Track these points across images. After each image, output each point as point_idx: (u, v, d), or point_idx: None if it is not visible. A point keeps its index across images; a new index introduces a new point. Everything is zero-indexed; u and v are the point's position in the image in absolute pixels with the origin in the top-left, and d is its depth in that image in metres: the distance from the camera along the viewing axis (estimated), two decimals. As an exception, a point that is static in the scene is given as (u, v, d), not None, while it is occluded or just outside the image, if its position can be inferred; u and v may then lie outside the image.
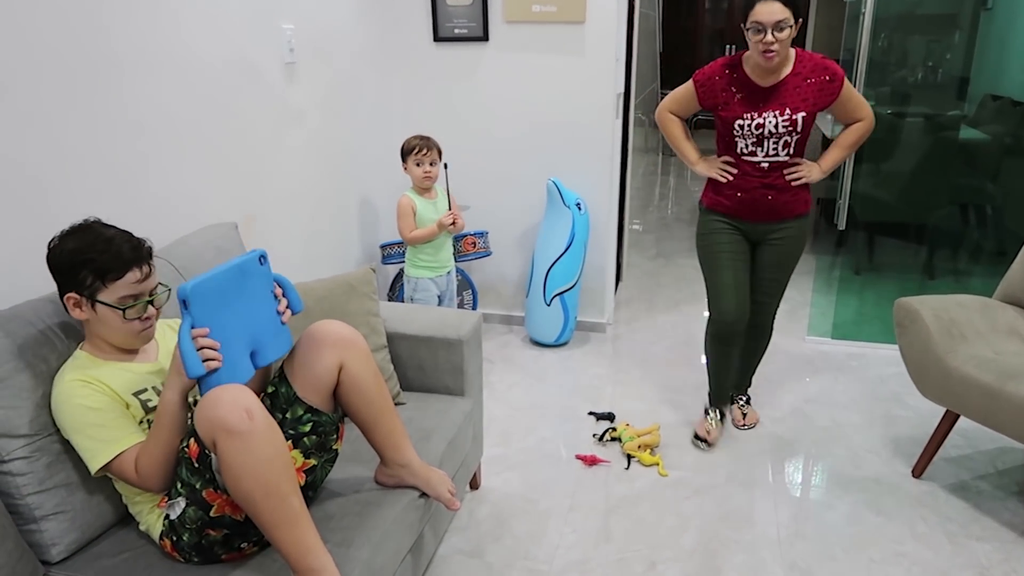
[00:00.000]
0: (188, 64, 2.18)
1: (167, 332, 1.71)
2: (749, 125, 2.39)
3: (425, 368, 2.20)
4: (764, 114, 2.37)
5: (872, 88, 4.97)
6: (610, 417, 2.92)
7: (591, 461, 2.65)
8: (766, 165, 2.44)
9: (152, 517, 1.54)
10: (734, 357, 2.72)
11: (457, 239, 3.44)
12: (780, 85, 2.36)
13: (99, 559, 1.50)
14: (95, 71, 1.86)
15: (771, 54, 2.25)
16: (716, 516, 2.37)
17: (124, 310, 1.50)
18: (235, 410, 1.35)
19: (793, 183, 2.45)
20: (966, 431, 2.80)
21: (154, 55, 2.05)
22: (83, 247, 1.46)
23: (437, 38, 3.44)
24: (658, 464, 2.62)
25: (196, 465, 1.44)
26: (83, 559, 1.50)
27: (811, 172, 2.46)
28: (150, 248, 1.55)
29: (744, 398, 2.92)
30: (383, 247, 3.49)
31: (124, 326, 1.51)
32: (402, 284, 3.14)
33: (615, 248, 3.84)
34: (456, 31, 3.42)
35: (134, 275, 1.49)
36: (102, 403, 1.49)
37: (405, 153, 2.95)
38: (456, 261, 3.47)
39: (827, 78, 2.34)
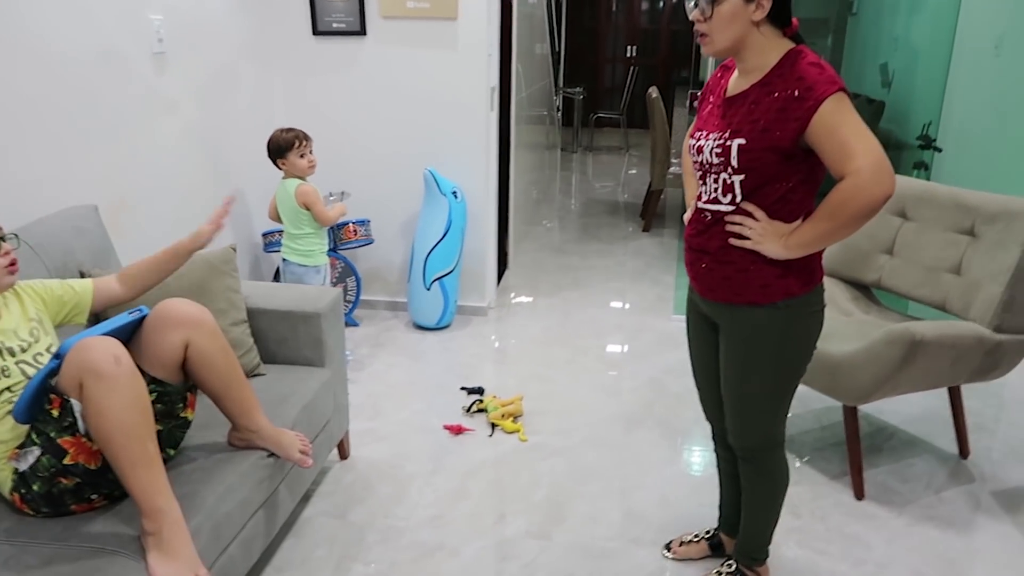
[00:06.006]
0: (50, 52, 2.25)
1: (20, 294, 1.79)
2: (693, 147, 1.73)
3: (286, 341, 2.33)
4: (711, 134, 1.66)
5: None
6: (480, 391, 3.10)
7: (457, 430, 2.82)
8: (708, 215, 1.71)
9: (2, 474, 1.63)
10: (725, 468, 2.07)
11: (339, 227, 3.56)
12: (741, 96, 1.63)
13: (-54, 516, 1.59)
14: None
15: (701, 39, 1.60)
16: (566, 473, 2.58)
17: None
18: (105, 355, 1.50)
19: (733, 241, 1.66)
20: (799, 393, 3.10)
21: (11, 41, 2.11)
22: None
23: (316, 32, 3.56)
24: (519, 431, 2.81)
25: (55, 415, 1.56)
26: (-70, 516, 1.58)
27: (762, 236, 1.61)
28: None
29: (731, 563, 2.03)
30: (265, 235, 3.59)
31: None
32: (292, 273, 3.19)
33: (495, 235, 4.03)
34: (335, 25, 3.54)
35: None
36: None
37: (284, 149, 3.04)
38: (339, 248, 3.60)
39: (795, 93, 1.52)
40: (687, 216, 1.83)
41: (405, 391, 3.14)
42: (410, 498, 2.44)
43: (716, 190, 1.67)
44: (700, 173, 1.72)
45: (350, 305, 3.80)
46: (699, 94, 1.85)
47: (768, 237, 1.61)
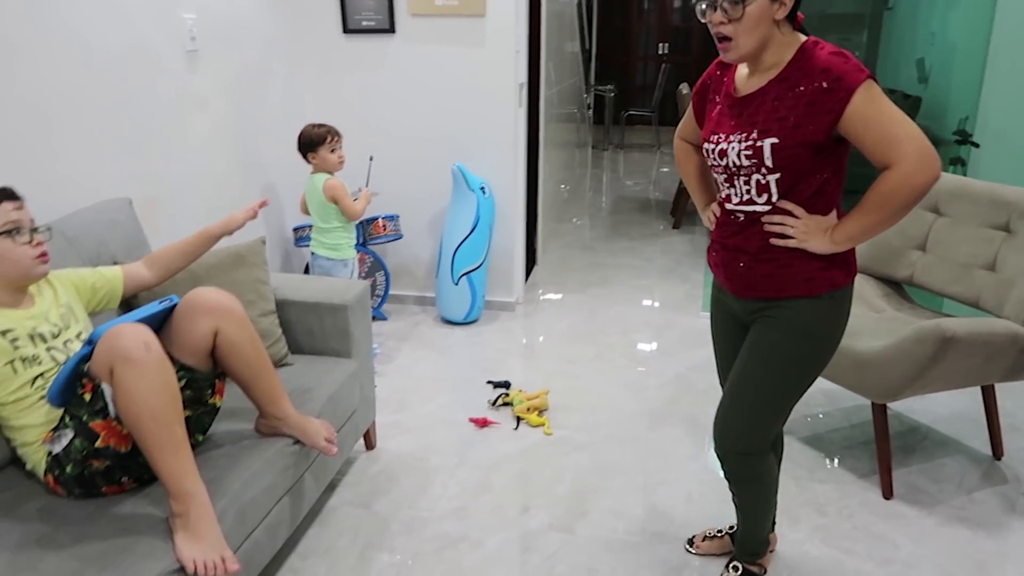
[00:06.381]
0: (85, 48, 2.30)
1: (53, 283, 1.84)
2: (713, 151, 1.66)
3: (314, 332, 2.36)
4: (732, 136, 1.61)
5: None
6: (506, 385, 3.11)
7: (482, 423, 2.84)
8: (741, 216, 1.67)
9: (37, 456, 1.68)
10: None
11: (368, 222, 3.60)
12: (758, 94, 1.58)
13: (-15, 496, 1.64)
14: (-13, 52, 1.98)
15: (724, 44, 1.54)
16: (590, 468, 2.58)
17: (11, 232, 1.66)
18: (135, 341, 1.54)
19: (775, 241, 1.63)
20: (829, 391, 3.06)
21: (50, 39, 2.17)
22: None
23: (346, 30, 3.60)
24: (544, 424, 2.82)
25: (87, 399, 1.60)
26: (-31, 496, 1.64)
27: (806, 233, 1.59)
28: (11, 189, 1.71)
29: (736, 564, 2.03)
30: (295, 230, 3.64)
31: (18, 250, 1.67)
32: (320, 267, 3.24)
33: (523, 231, 4.04)
34: (364, 23, 3.58)
35: (5, 207, 1.67)
36: None
37: (316, 143, 3.09)
38: (368, 243, 3.64)
39: (823, 85, 1.48)
40: (709, 220, 1.81)
41: (432, 384, 3.16)
42: (434, 490, 2.46)
43: (748, 191, 1.63)
44: (725, 176, 1.67)
45: (379, 299, 3.84)
46: (696, 92, 1.80)
47: (812, 233, 1.59)
